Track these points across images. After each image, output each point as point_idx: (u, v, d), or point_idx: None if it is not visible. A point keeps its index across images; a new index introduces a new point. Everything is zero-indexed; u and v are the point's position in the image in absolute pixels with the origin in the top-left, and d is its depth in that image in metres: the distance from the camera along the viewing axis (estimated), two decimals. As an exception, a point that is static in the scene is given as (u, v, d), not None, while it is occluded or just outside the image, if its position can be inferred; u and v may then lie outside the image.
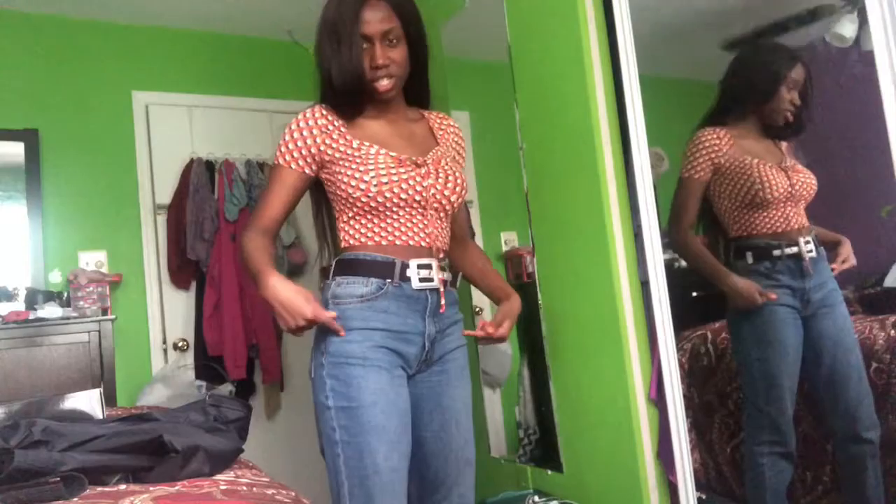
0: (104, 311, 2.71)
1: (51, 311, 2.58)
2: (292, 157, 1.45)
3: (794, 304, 1.68)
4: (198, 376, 3.05)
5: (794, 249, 1.67)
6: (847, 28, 1.56)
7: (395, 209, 1.42)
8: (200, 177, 3.13)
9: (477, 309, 2.53)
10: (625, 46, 1.84)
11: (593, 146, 1.88)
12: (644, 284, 1.86)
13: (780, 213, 1.69)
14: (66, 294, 2.74)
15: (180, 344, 3.14)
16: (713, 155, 1.74)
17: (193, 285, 3.17)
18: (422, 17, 1.53)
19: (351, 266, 1.43)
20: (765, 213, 1.70)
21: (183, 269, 3.13)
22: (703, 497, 1.79)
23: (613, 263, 1.86)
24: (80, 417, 1.63)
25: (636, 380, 1.85)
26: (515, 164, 2.18)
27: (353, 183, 1.40)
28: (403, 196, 1.41)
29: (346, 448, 1.34)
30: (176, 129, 3.26)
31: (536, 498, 2.05)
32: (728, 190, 1.75)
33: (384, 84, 1.44)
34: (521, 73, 2.16)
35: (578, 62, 1.91)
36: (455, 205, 1.49)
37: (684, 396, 1.80)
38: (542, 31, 2.05)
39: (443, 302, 1.44)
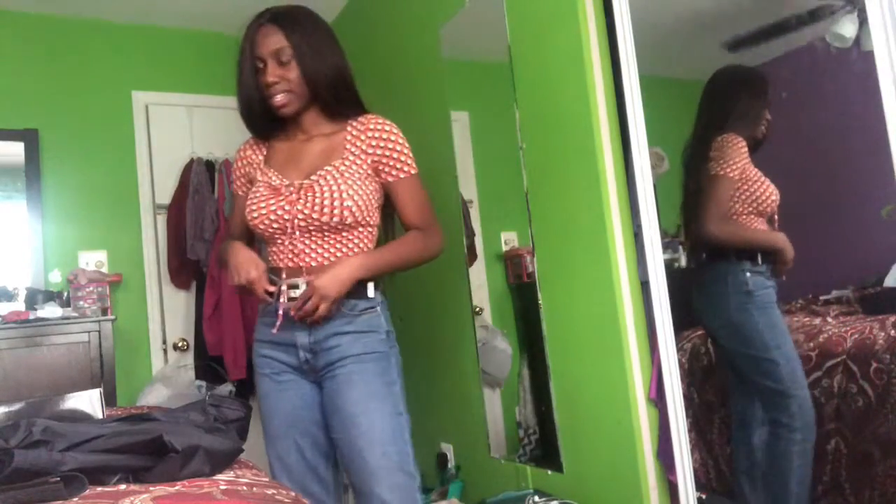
0: (104, 311, 2.71)
1: (51, 311, 2.58)
2: (238, 183, 1.75)
3: (777, 301, 1.80)
4: (198, 376, 3.06)
5: (773, 256, 1.78)
6: (847, 28, 1.56)
7: (273, 236, 1.59)
8: (200, 177, 3.13)
9: (477, 309, 2.53)
10: (625, 46, 1.84)
11: (593, 146, 1.88)
12: (644, 284, 1.86)
13: (765, 224, 1.80)
14: (66, 294, 2.74)
15: (180, 344, 3.15)
16: (745, 159, 1.80)
17: (193, 285, 3.17)
18: (325, 34, 1.61)
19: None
20: (761, 222, 1.80)
21: (183, 269, 3.14)
22: (703, 497, 1.79)
23: (613, 263, 1.86)
24: (80, 417, 1.63)
25: (636, 380, 1.85)
26: (515, 164, 2.18)
27: (246, 214, 1.62)
28: (275, 226, 1.57)
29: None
30: (176, 129, 3.27)
31: (536, 498, 2.05)
32: (744, 196, 1.79)
33: (278, 100, 1.58)
34: (520, 73, 2.16)
35: (578, 62, 1.91)
36: (332, 222, 1.54)
37: (684, 396, 1.80)
38: (542, 31, 2.05)
39: (278, 322, 1.57)
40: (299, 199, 1.55)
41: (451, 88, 2.54)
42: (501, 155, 2.35)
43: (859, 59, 1.51)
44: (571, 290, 2.03)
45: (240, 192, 1.74)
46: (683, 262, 2.07)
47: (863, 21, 1.47)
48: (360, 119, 1.63)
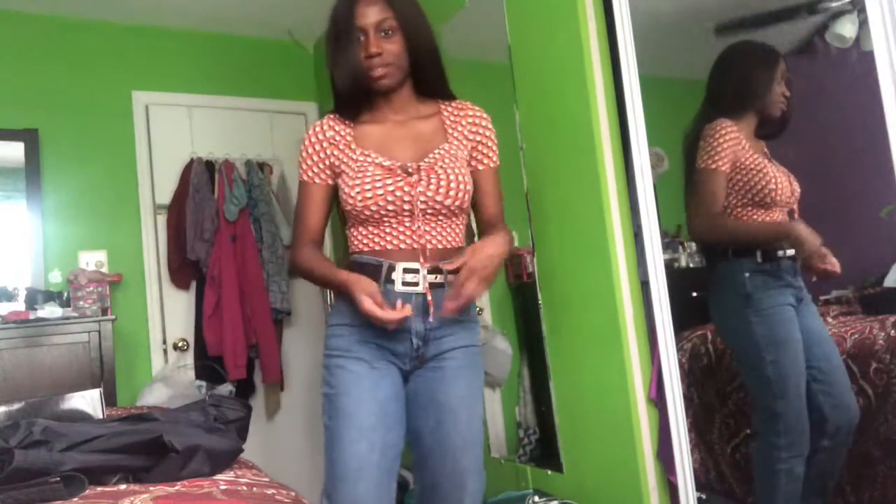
0: (104, 311, 2.71)
1: (51, 311, 2.58)
2: (312, 171, 1.55)
3: (794, 303, 1.71)
4: (198, 376, 3.05)
5: (791, 251, 1.69)
6: (847, 28, 1.56)
7: (384, 217, 1.48)
8: (200, 177, 3.13)
9: (477, 309, 2.53)
10: (625, 46, 1.84)
11: (593, 146, 1.88)
12: (644, 284, 1.86)
13: (779, 216, 1.71)
14: (66, 294, 2.74)
15: (180, 344, 3.14)
16: (735, 147, 1.72)
17: (193, 285, 3.17)
18: (422, 10, 1.54)
19: (349, 268, 1.51)
20: (766, 214, 1.71)
21: (183, 269, 3.13)
22: (703, 497, 1.79)
23: (613, 263, 1.86)
24: (80, 417, 1.63)
25: (636, 380, 1.85)
26: (515, 164, 2.18)
27: (343, 196, 1.50)
28: (390, 207, 1.47)
29: (326, 431, 1.47)
30: (176, 129, 3.26)
31: (536, 498, 2.05)
32: (739, 186, 1.73)
33: (378, 72, 1.48)
34: (521, 73, 2.16)
35: (578, 62, 1.91)
36: (453, 205, 1.50)
37: (684, 396, 1.80)
38: (542, 31, 2.05)
39: (430, 308, 1.47)
40: (420, 180, 1.47)
41: (451, 88, 2.53)
42: (501, 155, 2.34)
43: (859, 59, 1.51)
44: (571, 290, 2.03)
45: (317, 180, 1.55)
46: (684, 262, 2.07)
47: (863, 21, 1.47)
48: (455, 104, 1.61)
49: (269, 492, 1.27)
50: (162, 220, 3.17)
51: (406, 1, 1.52)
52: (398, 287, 1.47)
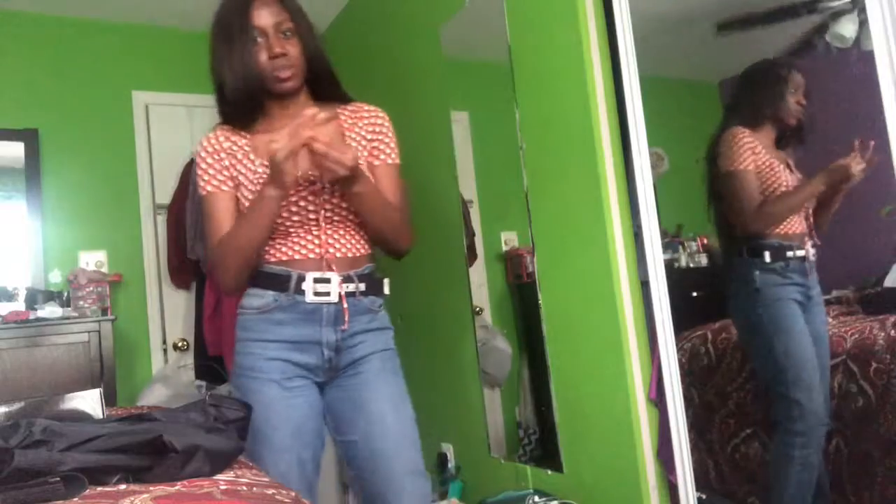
0: (104, 311, 2.71)
1: (51, 311, 2.58)
2: (217, 180, 1.49)
3: (802, 301, 1.75)
4: (198, 376, 3.05)
5: (802, 252, 1.74)
6: (847, 28, 1.56)
7: (290, 228, 1.45)
8: (200, 177, 3.13)
9: (477, 309, 2.53)
10: (625, 46, 1.84)
11: (593, 146, 1.88)
12: (644, 284, 1.86)
13: (795, 217, 1.76)
14: (66, 294, 2.74)
15: (180, 344, 3.15)
16: (753, 149, 1.78)
17: (193, 285, 3.17)
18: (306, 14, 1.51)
19: (255, 278, 1.47)
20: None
21: (183, 269, 3.13)
22: (703, 497, 1.79)
23: (613, 263, 1.86)
24: (80, 417, 1.63)
25: (636, 380, 1.85)
26: (515, 164, 2.18)
27: (244, 209, 1.44)
28: (295, 218, 1.44)
29: (247, 454, 1.42)
30: (176, 129, 3.27)
31: (536, 498, 2.05)
32: (762, 187, 1.79)
33: (285, 73, 1.43)
34: (521, 73, 2.16)
35: (578, 62, 1.91)
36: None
37: (684, 396, 1.80)
38: (542, 31, 2.05)
39: (346, 316, 1.45)
40: (324, 188, 1.45)
41: (451, 88, 2.54)
42: (501, 155, 2.35)
43: (859, 59, 1.51)
44: (571, 290, 2.03)
45: (224, 188, 1.48)
46: (684, 262, 2.07)
47: (863, 21, 1.47)
48: (351, 107, 1.58)
49: (269, 492, 1.27)
50: (162, 220, 3.17)
51: (297, 4, 1.49)
52: (309, 297, 1.43)
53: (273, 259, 1.47)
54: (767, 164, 1.76)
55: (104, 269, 2.99)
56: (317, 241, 1.46)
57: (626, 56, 1.83)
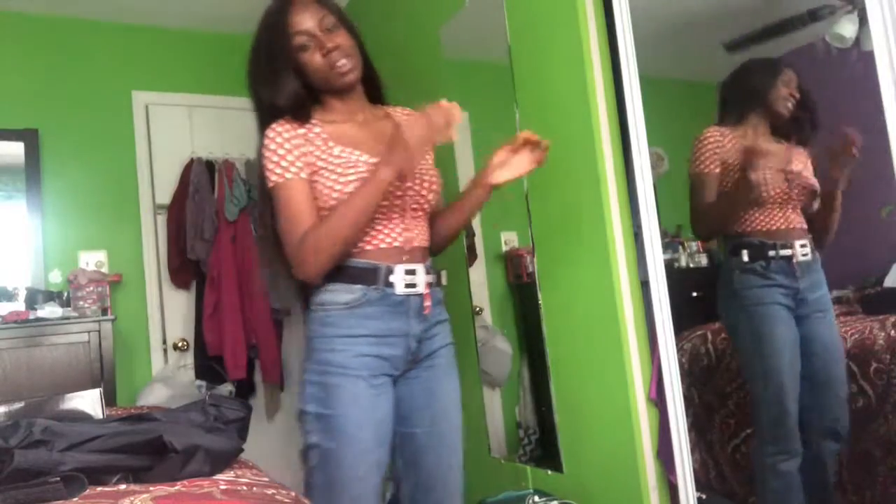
0: (104, 311, 2.72)
1: (51, 311, 2.58)
2: (295, 167, 1.41)
3: (788, 304, 1.70)
4: (198, 376, 3.06)
5: (789, 252, 1.68)
6: (847, 28, 1.56)
7: (376, 215, 1.41)
8: (200, 177, 3.13)
9: (477, 309, 2.53)
10: (625, 46, 1.84)
11: (593, 146, 1.88)
12: (644, 284, 1.86)
13: (778, 213, 1.71)
14: (66, 294, 2.74)
15: (180, 344, 3.15)
16: (718, 150, 1.76)
17: (193, 285, 3.17)
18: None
19: (337, 273, 1.42)
20: (760, 212, 1.72)
21: (183, 269, 3.14)
22: (703, 497, 1.79)
23: (613, 263, 1.86)
24: (80, 417, 1.63)
25: (636, 380, 1.85)
26: (515, 164, 2.18)
27: (335, 194, 1.39)
28: (384, 203, 1.41)
29: (320, 453, 1.38)
30: (176, 129, 3.27)
31: (536, 498, 2.05)
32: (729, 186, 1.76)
33: (344, 64, 1.43)
34: (521, 73, 2.16)
35: (578, 62, 1.91)
36: (433, 202, 1.51)
37: (684, 396, 1.80)
38: (542, 31, 2.05)
39: (427, 304, 1.46)
40: (406, 177, 1.43)
41: (451, 88, 2.53)
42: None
43: (859, 59, 1.51)
44: (571, 290, 2.03)
45: (301, 175, 1.40)
46: (684, 262, 2.07)
47: (863, 21, 1.47)
48: (398, 109, 1.62)
49: (269, 492, 1.27)
50: (162, 219, 3.17)
51: (333, 2, 1.50)
52: (399, 289, 1.42)
53: (355, 250, 1.43)
54: (735, 161, 1.73)
55: (104, 269, 2.99)
56: (398, 230, 1.45)
57: (626, 56, 1.83)
